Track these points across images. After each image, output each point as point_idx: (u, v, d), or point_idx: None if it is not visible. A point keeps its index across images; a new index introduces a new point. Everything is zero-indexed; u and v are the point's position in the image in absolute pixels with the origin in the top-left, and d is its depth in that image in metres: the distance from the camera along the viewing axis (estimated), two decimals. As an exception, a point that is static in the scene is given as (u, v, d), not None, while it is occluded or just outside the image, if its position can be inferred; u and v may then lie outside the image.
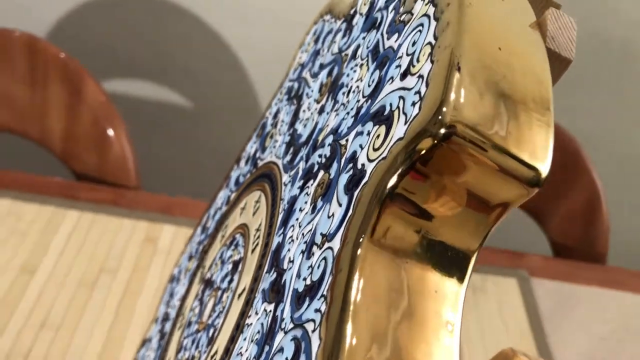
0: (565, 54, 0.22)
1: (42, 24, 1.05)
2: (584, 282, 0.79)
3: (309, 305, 0.21)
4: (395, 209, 0.19)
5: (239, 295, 0.29)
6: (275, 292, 0.25)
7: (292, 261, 0.24)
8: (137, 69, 1.13)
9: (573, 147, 0.84)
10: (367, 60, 0.26)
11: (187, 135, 1.23)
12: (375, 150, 0.21)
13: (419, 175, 0.19)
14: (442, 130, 0.18)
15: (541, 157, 0.19)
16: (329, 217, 0.22)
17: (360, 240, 0.19)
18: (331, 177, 0.24)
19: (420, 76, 0.20)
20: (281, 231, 0.27)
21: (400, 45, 0.23)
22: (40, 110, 0.79)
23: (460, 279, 0.21)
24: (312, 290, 0.21)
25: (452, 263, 0.21)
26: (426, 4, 0.23)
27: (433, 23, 0.21)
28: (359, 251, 0.19)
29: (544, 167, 0.19)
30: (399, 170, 0.19)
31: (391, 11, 0.26)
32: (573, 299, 0.78)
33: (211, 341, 0.30)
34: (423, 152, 0.18)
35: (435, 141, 0.18)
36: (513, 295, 0.75)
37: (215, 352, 0.28)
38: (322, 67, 0.33)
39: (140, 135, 1.17)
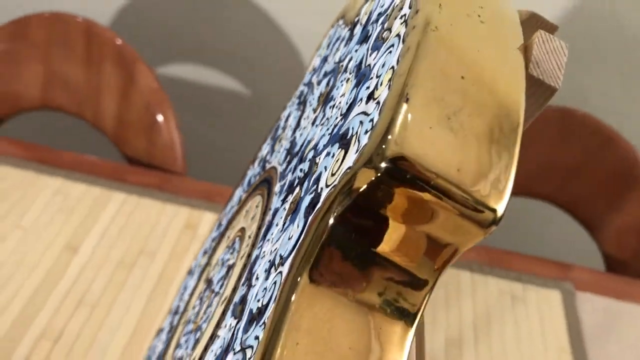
0: (549, 82, 0.20)
1: (102, 11, 1.08)
2: (637, 301, 0.75)
3: (253, 330, 0.20)
4: (334, 245, 0.18)
5: (222, 303, 0.29)
6: (240, 309, 0.24)
7: (257, 278, 0.24)
8: (194, 56, 1.15)
9: (632, 155, 0.79)
10: (352, 76, 0.25)
11: (240, 123, 1.25)
12: (332, 175, 0.20)
13: (359, 210, 0.18)
14: (383, 165, 0.17)
15: (495, 197, 0.18)
16: (289, 238, 0.22)
17: (302, 271, 0.19)
18: (301, 195, 0.24)
19: (378, 102, 0.19)
20: (261, 244, 0.27)
21: (374, 65, 0.22)
22: (95, 93, 0.81)
23: (408, 323, 0.19)
24: (260, 314, 0.21)
25: (398, 307, 0.19)
26: (401, 23, 0.21)
27: (400, 45, 0.20)
28: (299, 282, 0.19)
29: (500, 206, 0.18)
30: (342, 203, 0.18)
31: (379, 25, 0.25)
32: (622, 319, 0.74)
33: (195, 345, 0.30)
34: (364, 186, 0.17)
35: (377, 175, 0.17)
36: (555, 308, 0.72)
37: (194, 358, 0.28)
38: (325, 75, 0.32)
39: (194, 121, 1.20)
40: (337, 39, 0.34)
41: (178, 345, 0.35)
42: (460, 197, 0.17)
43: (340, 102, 0.25)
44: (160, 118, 0.80)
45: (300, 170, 0.26)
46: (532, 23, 0.21)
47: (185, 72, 1.16)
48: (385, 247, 0.19)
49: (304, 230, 0.20)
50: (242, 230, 0.34)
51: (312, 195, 0.22)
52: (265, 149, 0.39)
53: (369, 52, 0.24)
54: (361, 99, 0.22)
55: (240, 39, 1.12)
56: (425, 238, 0.18)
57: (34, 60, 0.80)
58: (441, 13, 0.19)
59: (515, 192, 0.92)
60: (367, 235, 0.19)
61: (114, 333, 0.62)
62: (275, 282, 0.21)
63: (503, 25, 0.21)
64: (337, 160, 0.21)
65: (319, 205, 0.20)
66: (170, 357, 0.36)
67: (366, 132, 0.19)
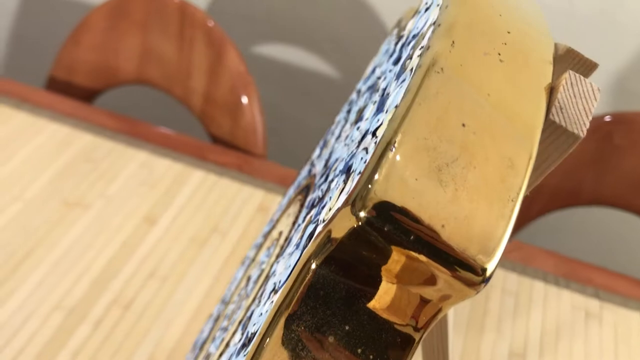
0: (572, 129, 0.19)
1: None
2: None
3: (237, 358, 0.20)
4: (317, 290, 0.18)
5: (244, 310, 0.29)
6: (245, 326, 0.24)
7: (263, 298, 0.24)
8: (285, 36, 1.15)
9: None
10: (378, 100, 0.24)
11: (332, 107, 1.24)
12: (329, 210, 0.20)
13: (339, 260, 0.17)
14: (362, 214, 0.16)
15: (484, 257, 0.17)
16: (288, 266, 0.22)
17: (280, 316, 0.18)
18: (312, 219, 0.23)
19: (376, 143, 0.18)
20: (279, 260, 0.27)
21: (391, 96, 0.21)
22: (185, 71, 0.84)
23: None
24: (248, 342, 0.21)
25: None
26: (418, 55, 0.20)
27: (407, 82, 0.19)
28: (276, 326, 0.19)
29: (490, 266, 0.17)
30: (323, 249, 0.17)
31: (409, 49, 0.24)
32: None
33: (219, 345, 0.31)
34: (342, 234, 0.17)
35: (355, 224, 0.17)
36: (634, 331, 0.68)
37: (214, 359, 0.29)
38: (368, 88, 0.31)
39: (284, 103, 1.21)
40: (387, 50, 0.33)
41: (213, 339, 0.36)
42: (443, 254, 0.16)
43: (363, 126, 0.24)
44: (244, 100, 0.81)
45: (321, 189, 0.26)
46: (568, 59, 0.19)
47: (276, 53, 1.17)
48: (369, 301, 0.18)
49: (296, 265, 0.20)
50: (280, 234, 0.34)
51: (314, 226, 0.21)
52: (316, 151, 0.39)
53: (394, 78, 0.23)
54: (371, 132, 0.21)
55: (333, 21, 1.12)
56: (408, 294, 0.18)
57: (131, 36, 0.84)
58: (452, 52, 0.17)
59: (606, 204, 0.87)
60: (349, 286, 0.18)
61: (180, 307, 0.65)
62: (267, 312, 0.21)
63: (527, 65, 0.19)
64: (337, 195, 0.20)
65: (311, 242, 0.20)
66: (206, 349, 0.37)
67: (359, 173, 0.18)
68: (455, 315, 0.68)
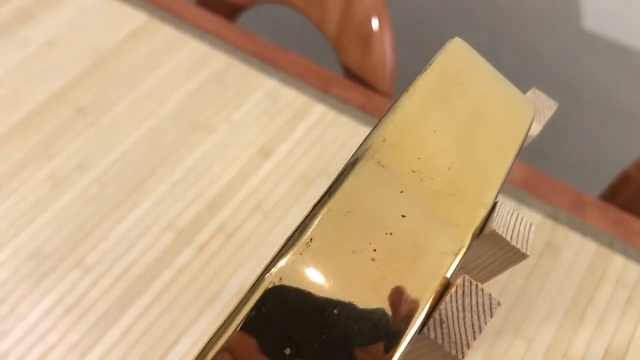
0: (449, 349, 0.16)
1: None
2: None
3: None
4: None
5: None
6: None
7: None
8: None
9: None
10: None
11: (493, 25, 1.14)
12: None
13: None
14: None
15: None
16: None
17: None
18: None
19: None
20: None
21: None
22: (323, -3, 0.81)
23: None
24: None
25: None
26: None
27: None
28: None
29: None
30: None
31: None
32: None
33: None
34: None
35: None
36: None
37: None
38: None
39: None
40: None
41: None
42: None
43: None
44: (376, 32, 0.78)
45: None
46: (491, 242, 0.16)
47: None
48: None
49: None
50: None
51: None
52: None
53: None
54: None
55: None
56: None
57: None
58: (303, 254, 0.16)
59: None
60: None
61: (277, 242, 0.68)
62: None
63: (414, 262, 0.16)
64: None
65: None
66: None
67: None
68: (554, 298, 0.63)
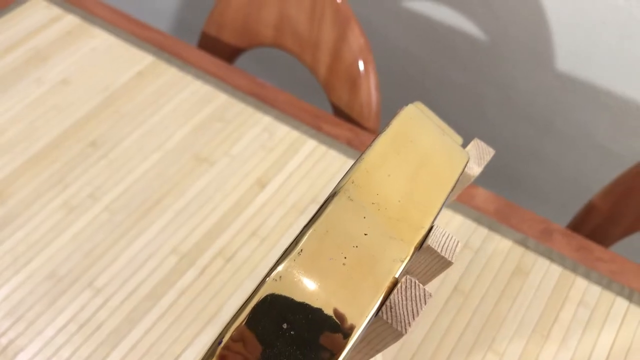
0: (396, 326, 0.23)
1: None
2: None
3: None
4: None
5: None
6: None
7: None
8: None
9: None
10: None
11: (474, 65, 1.22)
12: None
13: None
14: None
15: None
16: None
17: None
18: None
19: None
20: None
21: None
22: (315, 42, 0.89)
23: None
24: None
25: None
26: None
27: None
28: None
29: None
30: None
31: None
32: None
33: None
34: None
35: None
36: None
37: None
38: None
39: (427, 56, 1.20)
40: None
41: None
42: None
43: None
44: (362, 76, 0.85)
45: None
46: (427, 253, 0.23)
47: (424, 7, 1.16)
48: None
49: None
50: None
51: None
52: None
53: None
54: None
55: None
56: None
57: (271, 6, 0.91)
58: (296, 261, 0.23)
59: None
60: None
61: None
62: None
63: (373, 266, 0.23)
64: None
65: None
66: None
67: None
68: (523, 316, 0.70)
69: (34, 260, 0.74)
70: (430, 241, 0.25)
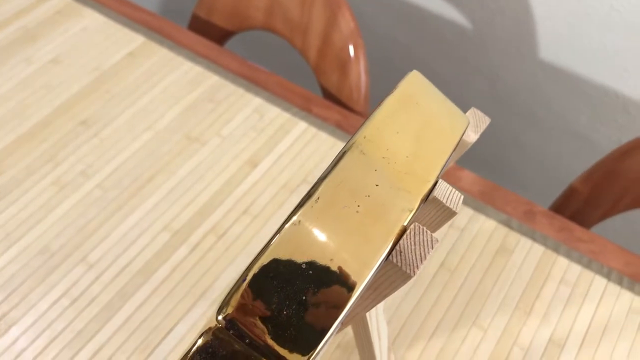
0: (405, 269, 0.25)
1: None
2: None
3: None
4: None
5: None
6: None
7: None
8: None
9: None
10: None
11: (464, 56, 1.25)
12: None
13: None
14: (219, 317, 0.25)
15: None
16: None
17: None
18: None
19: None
20: None
21: None
22: (305, 25, 0.91)
23: None
24: None
25: None
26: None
27: None
28: None
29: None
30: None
31: None
32: None
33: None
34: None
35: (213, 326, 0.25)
36: (684, 344, 0.69)
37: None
38: None
39: (416, 46, 1.21)
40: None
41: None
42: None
43: None
44: (352, 59, 0.87)
45: None
46: (434, 204, 0.25)
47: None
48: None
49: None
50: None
51: None
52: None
53: None
54: None
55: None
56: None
57: (262, -12, 0.92)
58: (313, 207, 0.25)
59: None
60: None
61: (264, 242, 0.76)
62: None
63: (383, 214, 0.25)
64: None
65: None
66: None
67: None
68: (507, 293, 0.72)
69: (27, 235, 0.75)
70: (436, 193, 0.27)
